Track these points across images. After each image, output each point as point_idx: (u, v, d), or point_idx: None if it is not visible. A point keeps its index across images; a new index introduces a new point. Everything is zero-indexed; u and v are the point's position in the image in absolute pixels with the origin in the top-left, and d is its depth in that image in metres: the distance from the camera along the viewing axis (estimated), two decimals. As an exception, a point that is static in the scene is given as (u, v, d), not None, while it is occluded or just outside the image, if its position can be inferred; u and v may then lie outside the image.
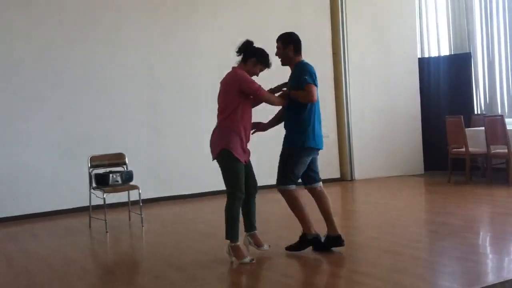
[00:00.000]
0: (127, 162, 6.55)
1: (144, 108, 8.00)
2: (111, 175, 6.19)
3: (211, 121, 4.77)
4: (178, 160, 8.11)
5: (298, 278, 4.02)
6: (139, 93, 7.98)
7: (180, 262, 4.76)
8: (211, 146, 4.61)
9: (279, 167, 4.69)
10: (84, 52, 7.63)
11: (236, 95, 4.51)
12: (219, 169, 4.55)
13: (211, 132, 4.66)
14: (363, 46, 9.34)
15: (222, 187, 4.55)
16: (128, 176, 6.31)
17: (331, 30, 9.30)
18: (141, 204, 6.26)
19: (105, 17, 7.81)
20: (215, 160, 4.58)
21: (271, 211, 6.53)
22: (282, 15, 8.76)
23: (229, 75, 4.66)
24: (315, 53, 9.04)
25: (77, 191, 7.00)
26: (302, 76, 4.54)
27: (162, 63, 8.13)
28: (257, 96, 4.56)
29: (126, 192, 6.48)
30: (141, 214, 6.27)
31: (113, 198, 6.54)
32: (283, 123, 4.80)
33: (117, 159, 6.52)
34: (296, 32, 4.85)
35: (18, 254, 5.39)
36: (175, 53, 8.24)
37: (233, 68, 4.68)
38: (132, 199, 6.65)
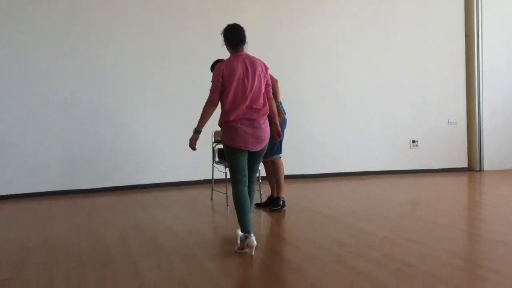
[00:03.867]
0: (248, 139, 6.69)
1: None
2: (233, 150, 6.34)
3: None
4: (297, 140, 8.12)
5: (418, 267, 3.87)
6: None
7: (297, 240, 4.80)
8: (265, 137, 4.42)
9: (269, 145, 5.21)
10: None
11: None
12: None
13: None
14: (498, 28, 8.67)
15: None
16: (248, 153, 6.44)
17: (464, 10, 8.70)
18: (260, 180, 6.37)
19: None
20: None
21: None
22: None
23: (259, 61, 4.38)
24: (446, 34, 8.58)
25: (202, 165, 7.30)
26: None
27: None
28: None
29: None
30: (260, 191, 6.39)
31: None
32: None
33: (240, 135, 6.68)
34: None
35: (147, 220, 5.75)
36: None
37: (249, 54, 4.39)
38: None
